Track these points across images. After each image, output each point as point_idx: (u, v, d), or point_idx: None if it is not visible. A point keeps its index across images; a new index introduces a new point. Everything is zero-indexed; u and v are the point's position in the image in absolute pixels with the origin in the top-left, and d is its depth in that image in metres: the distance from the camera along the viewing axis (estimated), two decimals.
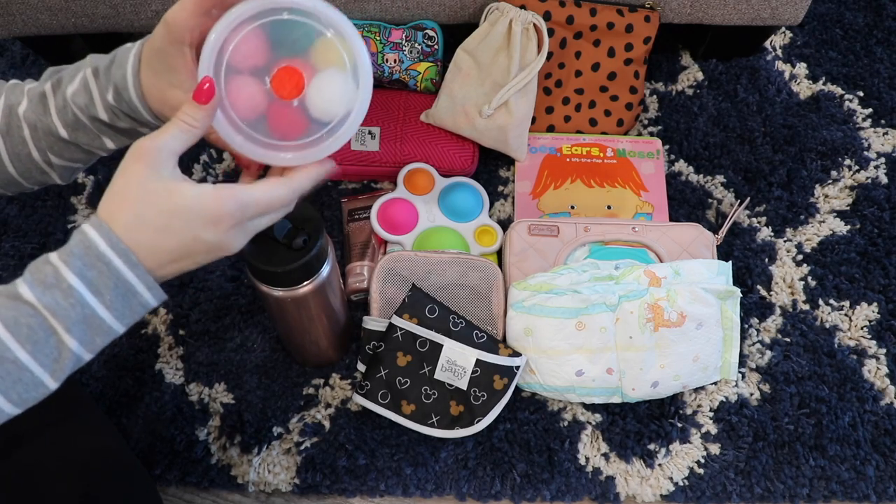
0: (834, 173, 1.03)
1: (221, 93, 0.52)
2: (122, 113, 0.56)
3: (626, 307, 0.82)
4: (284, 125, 0.54)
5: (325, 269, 0.71)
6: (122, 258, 0.47)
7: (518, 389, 0.87)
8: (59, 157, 0.59)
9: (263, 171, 0.59)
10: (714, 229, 0.97)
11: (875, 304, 0.93)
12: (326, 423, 0.86)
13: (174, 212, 0.48)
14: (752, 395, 0.88)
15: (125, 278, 0.47)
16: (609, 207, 0.99)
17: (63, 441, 0.63)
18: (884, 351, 0.90)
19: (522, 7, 0.93)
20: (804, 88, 1.12)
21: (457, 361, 0.82)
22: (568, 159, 1.02)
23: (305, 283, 0.70)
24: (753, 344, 0.91)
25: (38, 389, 0.47)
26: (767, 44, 1.15)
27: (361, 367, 0.87)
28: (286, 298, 0.72)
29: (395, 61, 1.00)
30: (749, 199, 1.01)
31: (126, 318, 0.49)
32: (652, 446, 0.84)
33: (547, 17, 0.94)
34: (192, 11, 0.51)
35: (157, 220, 0.48)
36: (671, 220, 0.99)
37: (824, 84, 1.12)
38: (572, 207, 0.99)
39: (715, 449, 0.84)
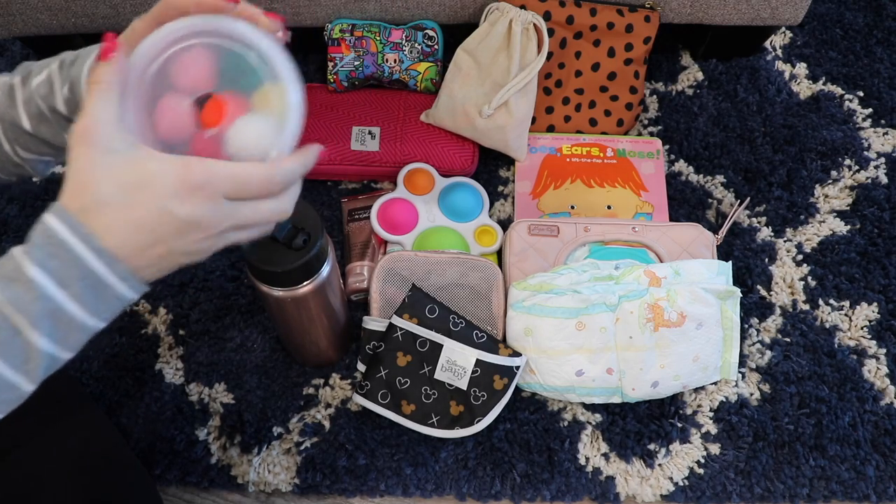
0: (834, 173, 1.03)
1: (147, 102, 0.48)
2: (77, 108, 0.54)
3: (626, 307, 0.82)
4: (202, 156, 0.50)
5: (325, 269, 0.71)
6: (84, 243, 0.42)
7: (518, 389, 0.87)
8: (27, 150, 0.57)
9: None
10: (714, 229, 0.97)
11: (875, 304, 0.93)
12: (326, 423, 0.86)
13: (135, 184, 0.43)
14: (752, 395, 0.88)
15: (90, 267, 0.43)
16: (609, 207, 0.99)
17: (63, 441, 0.63)
18: (884, 351, 0.90)
19: (522, 7, 0.93)
20: (804, 88, 1.12)
21: (457, 361, 0.82)
22: (568, 159, 1.02)
23: (305, 283, 0.70)
24: (753, 344, 0.91)
25: (13, 392, 0.43)
26: (767, 44, 1.15)
27: (361, 367, 0.87)
28: (286, 298, 0.72)
29: (395, 61, 1.00)
30: (749, 199, 1.01)
31: (102, 312, 0.45)
32: (652, 446, 0.84)
33: (547, 17, 0.94)
34: (150, 23, 0.49)
35: (116, 195, 0.43)
36: (671, 220, 0.99)
37: (824, 84, 1.12)
38: (572, 207, 0.99)
39: (715, 449, 0.84)
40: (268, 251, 0.66)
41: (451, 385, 0.83)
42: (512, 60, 0.93)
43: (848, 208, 1.01)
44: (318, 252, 0.68)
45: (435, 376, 0.83)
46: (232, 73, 0.50)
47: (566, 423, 0.86)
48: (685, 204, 1.01)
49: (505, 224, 0.99)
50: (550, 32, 0.95)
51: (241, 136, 0.50)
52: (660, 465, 0.83)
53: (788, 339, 0.91)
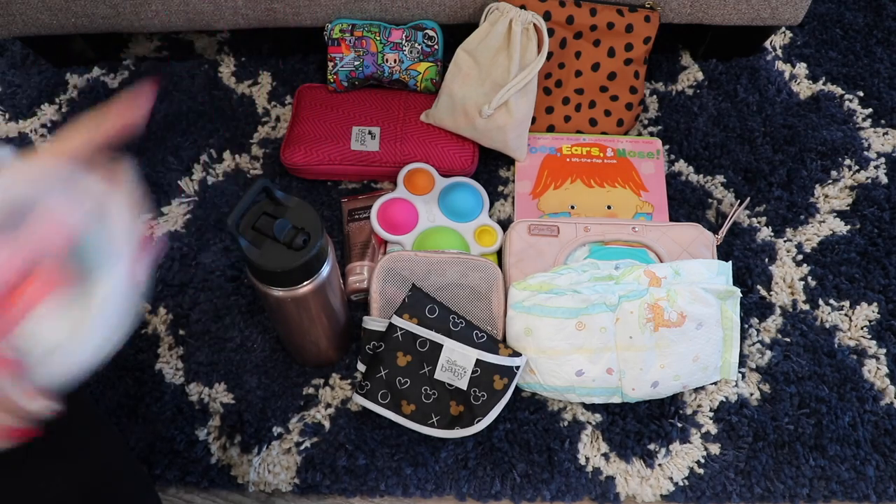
0: (834, 173, 1.03)
1: None
2: None
3: (626, 307, 0.82)
4: None
5: (325, 269, 0.71)
6: None
7: (518, 389, 0.87)
8: None
9: None
10: (714, 229, 0.97)
11: (875, 304, 0.93)
12: (326, 423, 0.86)
13: None
14: (752, 395, 0.88)
15: None
16: (609, 207, 0.99)
17: (60, 441, 0.63)
18: (884, 351, 0.90)
19: (522, 7, 0.93)
20: (804, 88, 1.12)
21: (457, 361, 0.82)
22: (568, 159, 1.02)
23: (305, 283, 0.70)
24: (753, 344, 0.91)
25: None
26: (767, 44, 1.15)
27: (361, 367, 0.87)
28: (286, 298, 0.72)
29: (395, 61, 1.00)
30: (749, 199, 1.01)
31: None
32: (652, 446, 0.84)
33: (547, 17, 0.94)
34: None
35: None
36: (671, 220, 0.99)
37: (824, 84, 1.12)
38: (572, 207, 0.99)
39: (715, 449, 0.84)
40: (268, 251, 0.66)
41: (451, 385, 0.83)
42: (512, 60, 0.93)
43: (848, 208, 1.01)
44: (318, 252, 0.68)
45: (435, 376, 0.83)
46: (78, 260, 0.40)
47: (566, 423, 0.86)
48: (685, 204, 1.01)
49: (505, 224, 0.99)
50: (550, 32, 0.95)
51: (29, 330, 0.39)
52: (660, 465, 0.83)
53: (788, 339, 0.91)
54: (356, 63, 1.00)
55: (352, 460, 0.84)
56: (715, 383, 0.88)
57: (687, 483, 0.82)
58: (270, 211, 0.68)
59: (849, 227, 0.99)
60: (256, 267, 0.67)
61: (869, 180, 1.03)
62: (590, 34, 0.99)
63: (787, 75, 1.13)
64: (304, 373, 0.89)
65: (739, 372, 0.89)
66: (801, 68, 1.13)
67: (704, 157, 1.05)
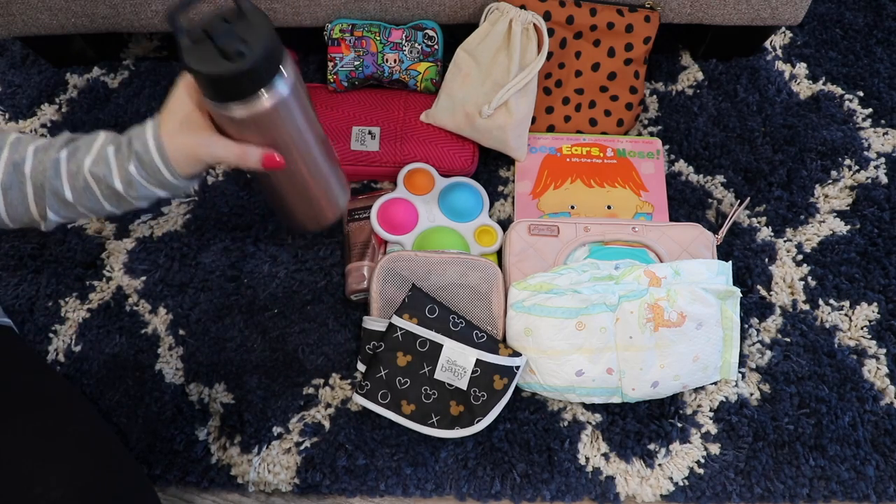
0: (834, 173, 1.03)
1: None
2: (133, 185, 0.63)
3: (626, 307, 0.82)
4: None
5: (280, 90, 0.60)
6: None
7: (518, 389, 0.87)
8: (56, 214, 0.64)
9: None
10: (714, 229, 0.97)
11: (875, 304, 0.93)
12: (326, 423, 0.86)
13: None
14: (752, 395, 0.88)
15: None
16: (609, 207, 0.99)
17: (57, 442, 0.63)
18: (884, 351, 0.90)
19: (522, 7, 0.93)
20: (804, 88, 1.12)
21: (457, 361, 0.82)
22: (568, 159, 1.02)
23: (249, 98, 0.59)
24: (753, 344, 0.91)
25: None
26: (767, 44, 1.15)
27: (361, 367, 0.87)
28: (245, 118, 0.60)
29: (395, 61, 1.00)
30: (749, 199, 1.01)
31: None
32: (652, 446, 0.84)
33: (547, 17, 0.94)
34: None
35: None
36: (671, 220, 0.99)
37: (824, 84, 1.12)
38: (572, 207, 0.99)
39: (715, 449, 0.84)
40: (204, 54, 0.56)
41: (451, 385, 0.83)
42: (512, 60, 0.93)
43: (848, 208, 1.01)
44: (251, 69, 0.56)
45: (435, 376, 0.83)
46: None
47: (566, 423, 0.86)
48: (685, 204, 1.01)
49: (505, 224, 0.99)
50: (550, 32, 0.95)
51: None
52: (660, 465, 0.83)
53: (788, 339, 0.91)
54: (356, 63, 1.00)
55: (352, 460, 0.84)
56: (715, 383, 0.88)
57: (687, 483, 0.83)
58: (229, 18, 0.57)
59: (849, 227, 0.99)
60: (184, 63, 0.57)
61: (869, 180, 1.03)
62: (590, 34, 0.99)
63: (787, 75, 1.13)
64: (305, 372, 0.89)
65: (739, 372, 0.89)
66: (801, 68, 1.13)
67: (704, 157, 1.05)
